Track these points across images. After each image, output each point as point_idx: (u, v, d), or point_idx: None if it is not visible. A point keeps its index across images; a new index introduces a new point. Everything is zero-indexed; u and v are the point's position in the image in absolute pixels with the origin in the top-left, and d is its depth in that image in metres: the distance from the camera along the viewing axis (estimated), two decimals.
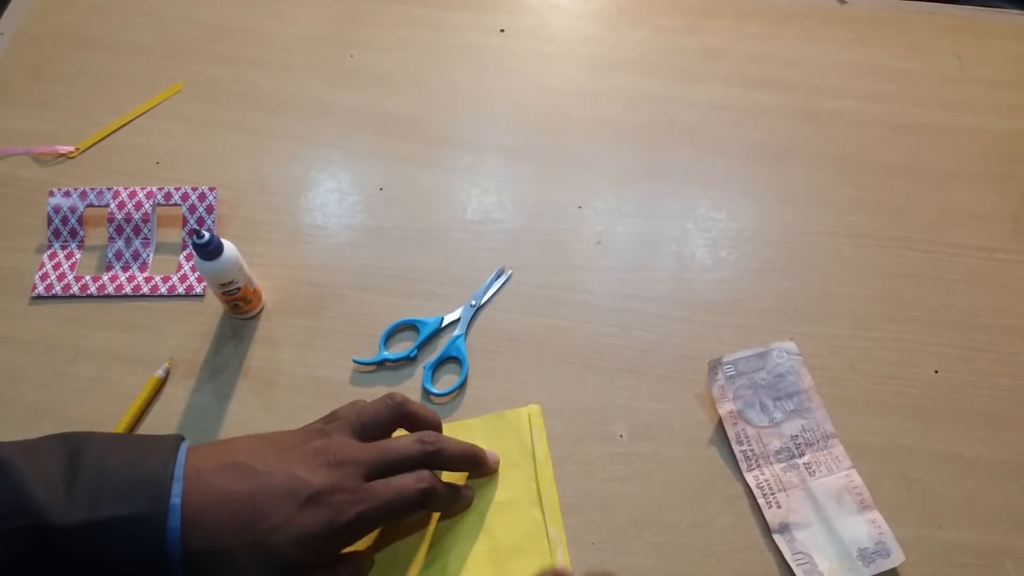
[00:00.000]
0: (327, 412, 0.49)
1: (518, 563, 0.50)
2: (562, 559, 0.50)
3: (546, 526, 0.51)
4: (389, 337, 0.60)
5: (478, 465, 0.51)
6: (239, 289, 0.57)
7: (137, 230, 0.65)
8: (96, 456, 0.41)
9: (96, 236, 0.65)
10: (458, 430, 0.54)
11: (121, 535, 0.39)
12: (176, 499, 0.40)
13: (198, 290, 0.63)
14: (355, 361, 0.59)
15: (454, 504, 0.51)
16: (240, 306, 0.59)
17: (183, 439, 0.44)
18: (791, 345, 0.59)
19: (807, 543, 0.52)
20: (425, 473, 0.46)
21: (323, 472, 0.43)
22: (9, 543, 0.38)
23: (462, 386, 0.58)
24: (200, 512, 0.40)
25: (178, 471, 0.41)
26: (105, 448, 0.42)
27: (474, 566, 0.49)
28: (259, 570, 0.40)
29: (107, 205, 0.65)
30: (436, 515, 0.51)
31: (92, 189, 0.65)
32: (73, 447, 0.41)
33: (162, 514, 0.39)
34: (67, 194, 0.65)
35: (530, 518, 0.52)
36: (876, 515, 0.53)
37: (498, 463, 0.53)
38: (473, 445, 0.51)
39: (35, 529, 0.38)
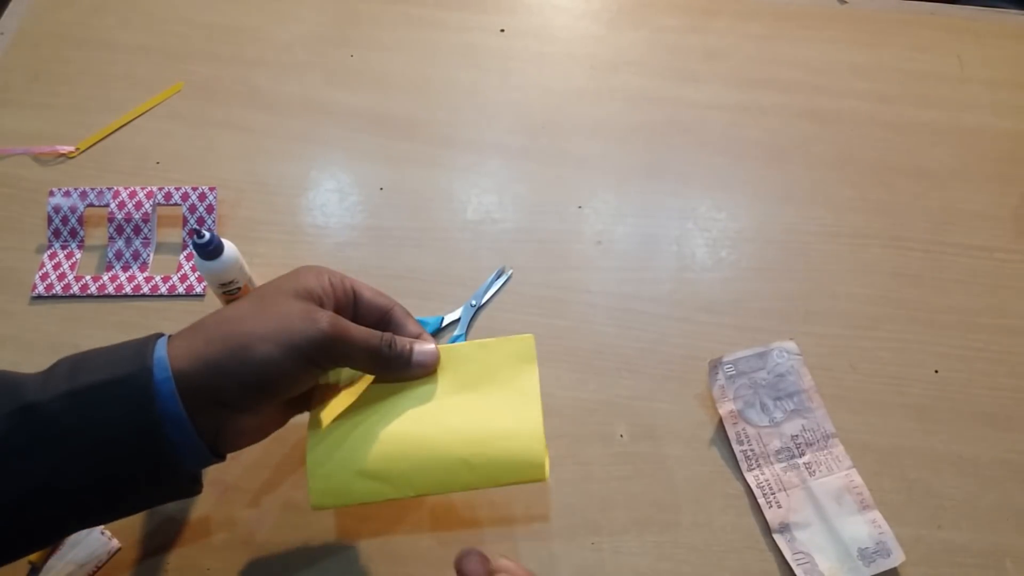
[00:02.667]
0: None
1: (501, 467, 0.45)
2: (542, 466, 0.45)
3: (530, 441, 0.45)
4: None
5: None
6: (239, 289, 0.57)
7: (137, 230, 0.65)
8: (72, 356, 0.41)
9: (96, 236, 0.65)
10: (449, 352, 0.49)
11: (105, 398, 0.38)
12: (161, 351, 0.39)
13: (198, 290, 0.63)
14: None
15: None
16: None
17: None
18: (791, 345, 0.59)
19: (807, 543, 0.52)
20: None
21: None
22: None
23: None
24: (187, 358, 0.39)
25: (163, 338, 0.41)
26: (82, 352, 0.41)
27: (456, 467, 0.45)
28: (258, 375, 0.40)
29: (107, 205, 0.65)
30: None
31: (92, 189, 0.65)
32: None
33: (147, 369, 0.38)
34: (67, 194, 0.65)
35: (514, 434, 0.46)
36: (876, 515, 0.53)
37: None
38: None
39: (18, 410, 0.37)
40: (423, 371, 0.46)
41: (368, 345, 0.44)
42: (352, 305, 0.46)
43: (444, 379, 0.47)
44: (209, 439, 0.41)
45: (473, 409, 0.46)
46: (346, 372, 0.47)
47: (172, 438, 0.39)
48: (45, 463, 0.37)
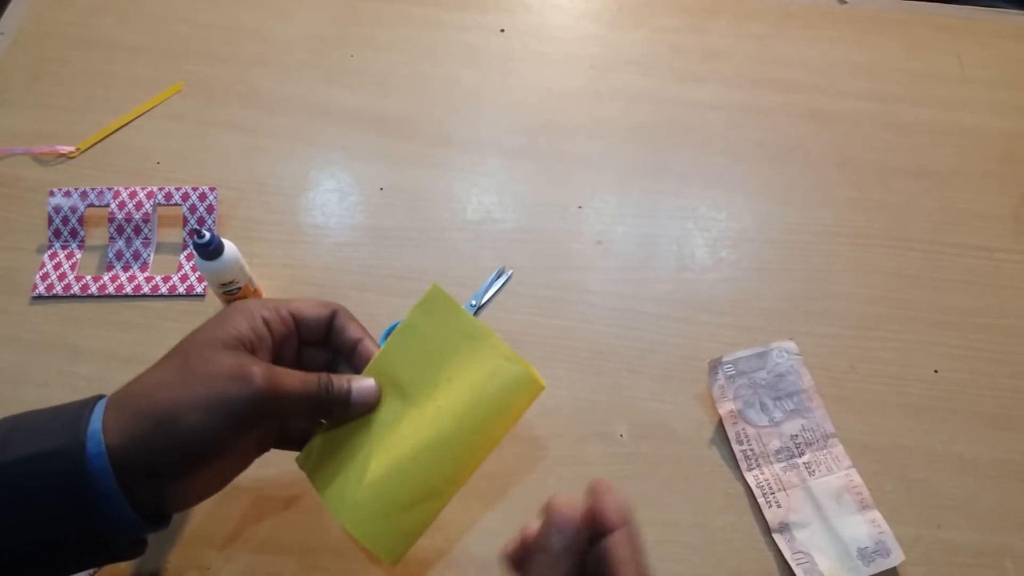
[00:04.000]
0: None
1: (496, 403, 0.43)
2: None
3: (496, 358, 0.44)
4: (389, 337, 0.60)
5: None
6: (239, 289, 0.57)
7: (137, 230, 0.65)
8: (7, 420, 0.39)
9: (96, 236, 0.65)
10: (380, 359, 0.46)
11: (35, 472, 0.36)
12: (96, 426, 0.37)
13: (198, 290, 0.63)
14: None
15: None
16: None
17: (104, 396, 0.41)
18: (791, 345, 0.59)
19: (807, 542, 0.52)
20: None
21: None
22: None
23: None
24: (118, 432, 0.37)
25: (100, 403, 0.39)
26: (19, 415, 0.40)
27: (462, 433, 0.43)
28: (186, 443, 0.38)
29: (107, 205, 0.65)
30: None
31: (92, 189, 0.65)
32: None
33: (80, 444, 0.36)
34: (67, 194, 0.65)
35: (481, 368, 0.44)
36: (876, 514, 0.53)
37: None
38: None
39: None
40: (364, 409, 0.44)
41: (305, 394, 0.41)
42: (295, 330, 0.44)
43: (400, 380, 0.45)
44: (151, 508, 0.39)
45: (446, 382, 0.44)
46: (324, 450, 0.45)
47: (107, 513, 0.37)
48: None
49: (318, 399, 0.42)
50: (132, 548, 0.41)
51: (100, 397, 0.40)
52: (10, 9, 0.80)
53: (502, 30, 0.78)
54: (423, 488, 0.43)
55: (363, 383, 0.44)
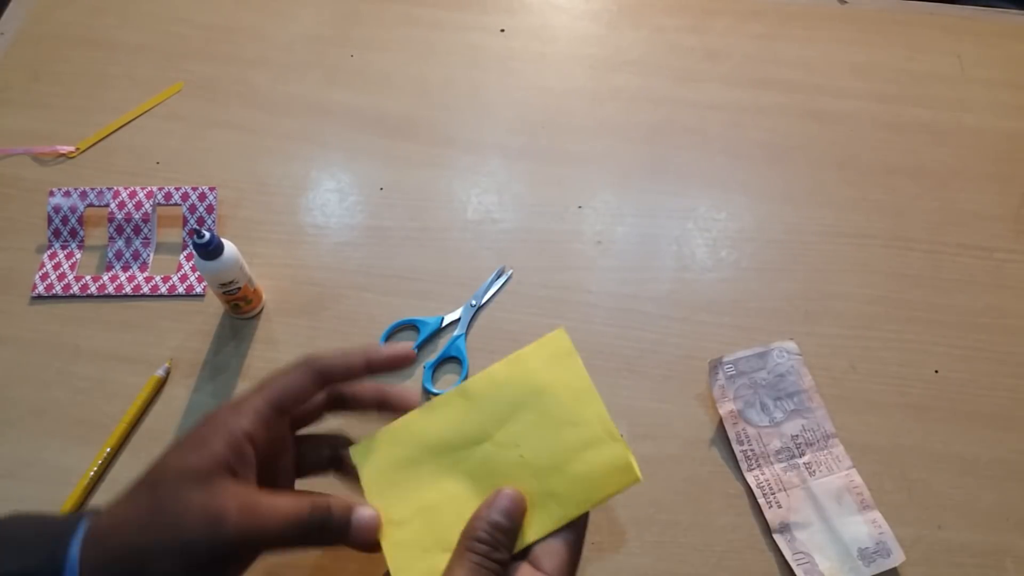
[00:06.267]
0: None
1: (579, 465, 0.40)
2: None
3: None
4: (389, 337, 0.60)
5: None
6: (239, 289, 0.57)
7: (137, 230, 0.65)
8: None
9: (96, 236, 0.65)
10: (476, 383, 0.42)
11: None
12: (74, 550, 0.35)
13: (198, 290, 0.63)
14: None
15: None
16: (240, 306, 0.59)
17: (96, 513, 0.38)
18: (791, 345, 0.59)
19: (807, 543, 0.52)
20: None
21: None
22: None
23: None
24: (97, 554, 0.35)
25: (84, 522, 0.36)
26: (13, 517, 0.38)
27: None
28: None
29: (107, 205, 0.65)
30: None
31: (92, 189, 0.65)
32: None
33: (56, 569, 0.34)
34: (67, 194, 0.65)
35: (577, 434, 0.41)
36: (876, 515, 0.53)
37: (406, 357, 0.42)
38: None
39: None
40: (363, 542, 0.38)
41: (292, 527, 0.36)
42: (276, 415, 0.39)
43: (489, 411, 0.41)
44: None
45: (534, 432, 0.40)
46: (385, 456, 0.41)
47: None
48: None
49: (308, 531, 0.37)
50: None
51: (82, 517, 0.37)
52: (10, 9, 0.80)
53: (502, 30, 0.78)
54: None
55: (365, 514, 0.38)
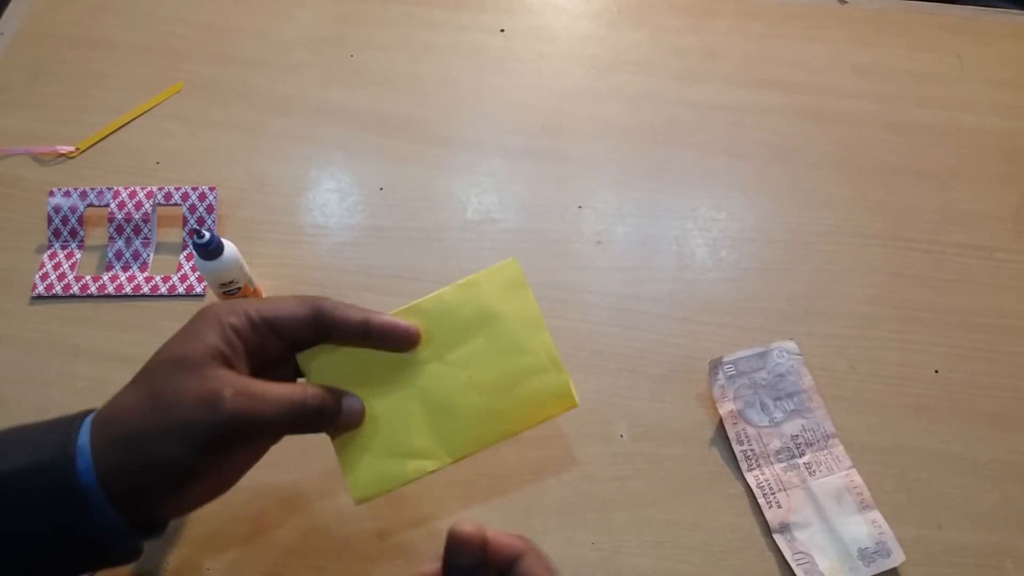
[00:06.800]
0: None
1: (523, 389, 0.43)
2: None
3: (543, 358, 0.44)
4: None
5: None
6: (239, 289, 0.57)
7: (137, 230, 0.65)
8: (6, 432, 0.39)
9: (96, 236, 0.65)
10: (429, 303, 0.45)
11: (28, 485, 0.36)
12: (84, 440, 0.37)
13: (198, 290, 0.63)
14: None
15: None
16: None
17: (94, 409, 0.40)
18: (791, 345, 0.59)
19: (807, 543, 0.52)
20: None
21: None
22: None
23: None
24: (103, 451, 0.37)
25: (88, 417, 0.38)
26: (16, 426, 0.39)
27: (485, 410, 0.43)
28: (178, 451, 0.37)
29: (107, 205, 0.65)
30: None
31: (92, 189, 0.65)
32: None
33: (69, 456, 0.36)
34: (67, 194, 0.65)
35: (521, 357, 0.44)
36: (876, 515, 0.53)
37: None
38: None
39: None
40: (348, 428, 0.42)
41: (286, 412, 0.38)
42: (272, 336, 0.40)
43: (441, 332, 0.44)
44: (143, 519, 0.38)
45: (483, 356, 0.43)
46: (335, 362, 0.43)
47: (99, 525, 0.37)
48: None
49: (302, 416, 0.39)
50: (127, 555, 0.40)
51: (88, 412, 0.39)
52: (10, 9, 0.80)
53: (502, 30, 0.78)
54: (421, 446, 0.43)
55: (354, 403, 0.41)
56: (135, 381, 0.39)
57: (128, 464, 0.37)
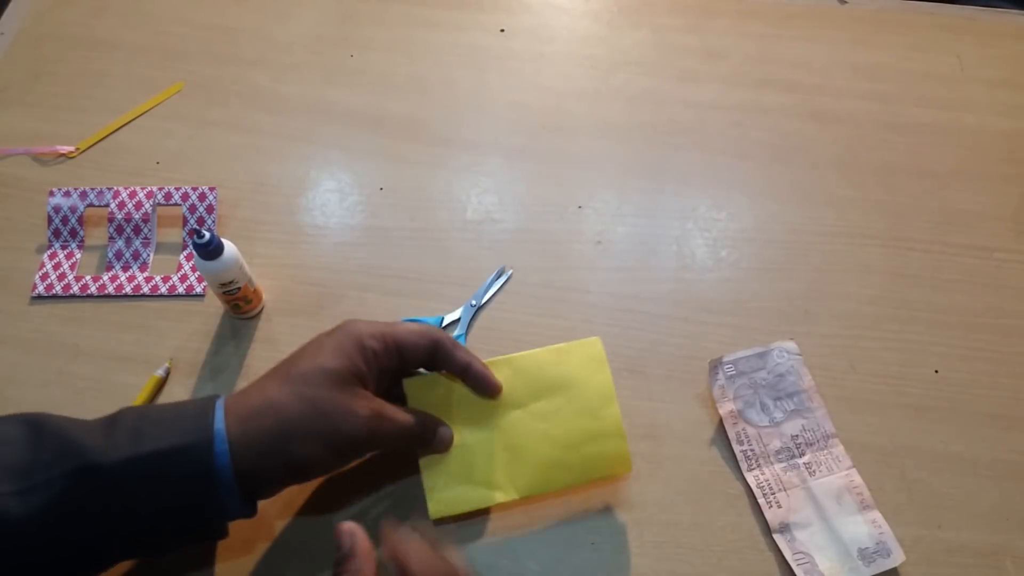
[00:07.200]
0: None
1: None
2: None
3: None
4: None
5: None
6: (239, 289, 0.57)
7: (137, 230, 0.65)
8: (133, 412, 0.43)
9: (96, 236, 0.65)
10: (523, 360, 0.52)
11: (168, 465, 0.40)
12: (220, 425, 0.42)
13: (198, 290, 0.63)
14: None
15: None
16: (240, 306, 0.59)
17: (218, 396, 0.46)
18: (791, 345, 0.59)
19: (807, 543, 0.52)
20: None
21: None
22: (54, 489, 0.39)
23: None
24: (239, 437, 0.42)
25: (219, 404, 0.43)
26: (142, 408, 0.44)
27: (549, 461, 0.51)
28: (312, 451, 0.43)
29: (107, 205, 0.65)
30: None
31: (92, 189, 0.65)
32: (111, 415, 0.44)
33: (208, 440, 0.41)
34: (67, 194, 0.65)
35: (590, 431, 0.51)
36: (876, 515, 0.53)
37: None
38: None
39: (81, 470, 0.39)
40: (441, 451, 0.50)
41: (404, 435, 0.47)
42: (397, 356, 0.47)
43: (527, 386, 0.51)
44: (252, 496, 0.45)
45: (559, 413, 0.51)
46: (435, 394, 0.51)
47: (225, 503, 0.42)
48: (103, 522, 0.40)
49: (413, 439, 0.48)
50: (223, 533, 0.45)
51: (216, 397, 0.44)
52: (10, 9, 0.80)
53: (502, 30, 0.78)
54: (496, 479, 0.50)
55: (445, 433, 0.49)
56: (282, 380, 0.44)
57: (268, 453, 0.42)
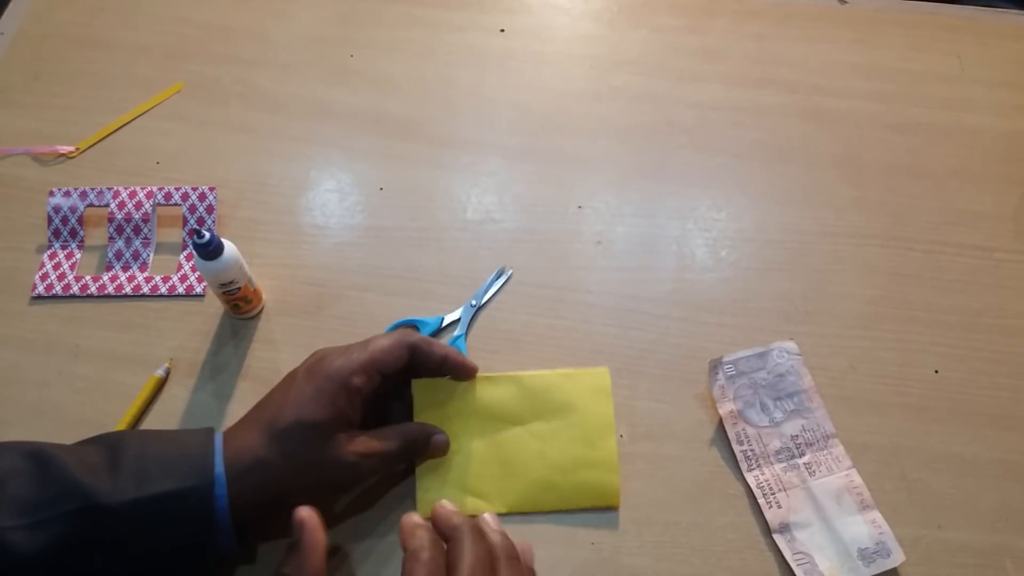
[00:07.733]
0: None
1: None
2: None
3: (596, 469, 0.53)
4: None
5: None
6: (239, 289, 0.57)
7: (137, 230, 0.65)
8: (134, 446, 0.44)
9: (96, 236, 0.65)
10: (531, 379, 0.55)
11: (170, 508, 0.42)
12: (219, 468, 0.43)
13: (198, 290, 0.63)
14: None
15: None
16: (240, 306, 0.59)
17: (214, 430, 0.47)
18: (791, 345, 0.59)
19: (807, 543, 0.52)
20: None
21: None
22: (60, 526, 0.40)
23: None
24: (236, 487, 0.43)
25: (217, 443, 0.45)
26: (141, 440, 0.45)
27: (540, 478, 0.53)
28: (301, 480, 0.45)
29: (107, 205, 0.65)
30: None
31: (92, 189, 0.65)
32: (110, 443, 0.45)
33: (208, 483, 0.42)
34: (67, 194, 0.65)
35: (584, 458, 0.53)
36: (876, 515, 0.53)
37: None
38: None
39: (85, 511, 0.41)
40: (436, 456, 0.52)
41: (394, 459, 0.49)
42: (380, 378, 0.48)
43: (531, 405, 0.53)
44: (242, 536, 0.46)
45: (557, 436, 0.53)
46: (441, 397, 0.53)
47: (220, 544, 0.44)
48: (107, 559, 0.41)
49: (402, 456, 0.50)
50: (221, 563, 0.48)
51: (212, 433, 0.46)
52: (10, 9, 0.80)
53: (502, 30, 0.78)
54: (487, 490, 0.52)
55: (440, 439, 0.51)
56: (267, 436, 0.45)
57: (262, 505, 0.45)
